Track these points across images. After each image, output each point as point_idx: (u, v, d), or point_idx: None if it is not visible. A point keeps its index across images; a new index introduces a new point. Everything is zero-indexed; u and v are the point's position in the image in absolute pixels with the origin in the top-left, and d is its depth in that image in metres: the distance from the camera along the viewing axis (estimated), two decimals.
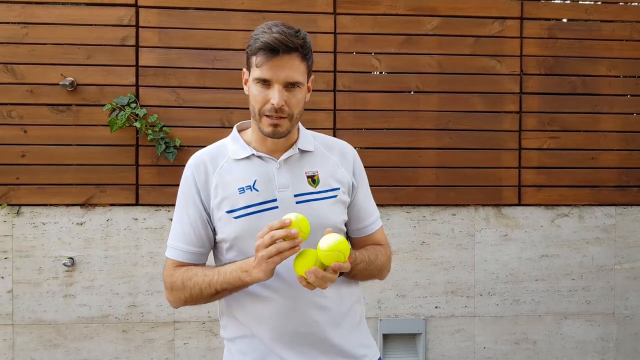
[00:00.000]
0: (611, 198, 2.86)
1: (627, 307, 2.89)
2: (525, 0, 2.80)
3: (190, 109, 2.68)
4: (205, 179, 1.26)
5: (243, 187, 1.23)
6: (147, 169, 2.66)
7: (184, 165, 2.67)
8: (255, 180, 1.24)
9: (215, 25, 2.67)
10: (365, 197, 1.38)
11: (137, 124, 2.57)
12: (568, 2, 2.84)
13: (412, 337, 2.82)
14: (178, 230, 1.28)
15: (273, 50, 1.14)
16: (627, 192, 2.87)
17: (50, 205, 2.62)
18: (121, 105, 2.59)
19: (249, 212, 1.22)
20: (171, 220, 2.62)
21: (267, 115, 1.19)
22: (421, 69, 2.77)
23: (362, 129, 2.76)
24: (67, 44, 2.62)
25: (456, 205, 2.80)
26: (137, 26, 2.65)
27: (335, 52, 2.72)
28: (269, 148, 1.27)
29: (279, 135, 1.22)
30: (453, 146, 2.79)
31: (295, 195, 1.25)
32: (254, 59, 1.19)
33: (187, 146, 2.66)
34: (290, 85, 1.19)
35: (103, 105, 2.60)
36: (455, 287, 2.81)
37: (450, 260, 2.80)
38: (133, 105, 2.60)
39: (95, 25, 2.63)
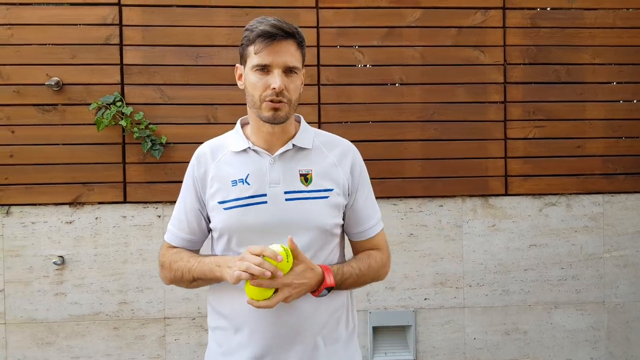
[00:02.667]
0: (598, 186, 2.85)
1: (618, 295, 2.88)
2: None
3: (176, 106, 2.69)
4: (205, 170, 1.30)
5: (236, 180, 1.26)
6: (134, 167, 2.67)
7: (171, 162, 2.71)
8: (248, 174, 1.26)
9: (198, 22, 2.68)
10: (366, 200, 1.35)
11: (123, 122, 2.58)
12: None
13: (402, 329, 2.82)
14: (175, 216, 1.36)
15: (271, 36, 1.18)
16: (614, 179, 2.86)
17: (40, 204, 2.64)
18: (107, 104, 2.61)
19: (238, 204, 1.25)
20: (159, 217, 2.67)
21: (267, 101, 1.20)
22: (405, 61, 2.77)
23: (347, 122, 2.76)
24: (52, 44, 2.63)
25: (443, 196, 2.80)
26: (120, 25, 2.66)
27: (318, 46, 2.72)
28: (266, 142, 1.29)
29: (279, 120, 1.22)
30: (438, 137, 2.79)
31: (286, 192, 1.25)
32: (251, 48, 1.20)
33: (173, 143, 2.67)
34: (288, 71, 1.21)
35: (89, 104, 2.61)
36: (444, 278, 2.81)
37: (439, 252, 2.80)
38: (119, 103, 2.61)
39: (79, 24, 2.64)
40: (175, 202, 2.61)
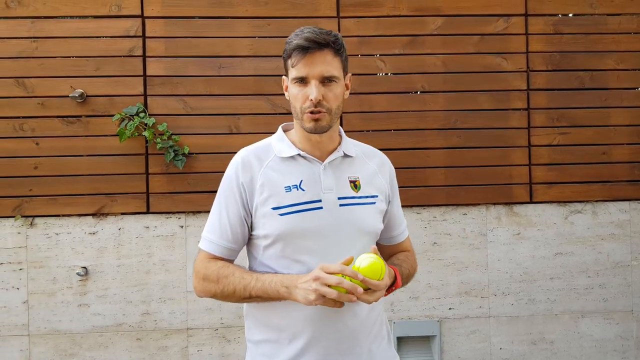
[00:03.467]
0: (624, 193, 2.81)
1: None
2: None
3: (198, 116, 2.69)
4: (251, 177, 1.27)
5: (290, 186, 1.26)
6: (157, 177, 2.67)
7: (194, 172, 2.70)
8: (301, 180, 1.27)
9: (220, 33, 2.69)
10: (398, 207, 1.44)
11: (146, 133, 2.59)
12: None
13: (427, 339, 2.78)
14: (215, 225, 1.30)
15: (305, 48, 1.20)
16: None
17: (63, 215, 2.65)
18: (130, 115, 2.62)
19: (294, 210, 1.24)
20: (182, 227, 2.66)
21: (307, 112, 1.22)
22: (426, 69, 2.76)
23: (369, 131, 2.75)
24: (75, 57, 2.66)
25: (467, 204, 2.77)
26: (143, 37, 2.68)
27: None
28: (313, 148, 1.30)
29: (320, 130, 1.24)
30: (461, 145, 2.76)
31: (339, 198, 1.27)
32: (289, 62, 1.24)
33: (196, 153, 2.67)
34: (326, 80, 1.22)
35: (112, 115, 2.62)
36: (468, 287, 2.77)
37: (463, 261, 2.77)
38: (142, 114, 2.62)
39: (103, 37, 2.66)
40: (199, 212, 2.64)
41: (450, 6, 2.76)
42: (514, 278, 2.78)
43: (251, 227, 1.30)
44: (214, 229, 1.30)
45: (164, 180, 2.67)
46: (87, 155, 2.66)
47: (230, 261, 1.31)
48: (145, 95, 2.68)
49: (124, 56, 2.67)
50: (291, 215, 1.24)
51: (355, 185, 1.30)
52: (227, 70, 2.69)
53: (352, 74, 2.68)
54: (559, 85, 2.79)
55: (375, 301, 1.14)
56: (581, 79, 2.80)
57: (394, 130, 2.75)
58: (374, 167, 1.37)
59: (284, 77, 1.32)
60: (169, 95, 2.68)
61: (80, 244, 2.65)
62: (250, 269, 1.33)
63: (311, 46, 1.20)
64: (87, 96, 2.65)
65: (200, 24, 2.69)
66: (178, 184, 2.67)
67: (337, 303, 1.10)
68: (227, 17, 2.70)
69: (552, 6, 2.80)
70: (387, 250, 1.44)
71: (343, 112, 2.71)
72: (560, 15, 2.81)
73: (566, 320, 2.80)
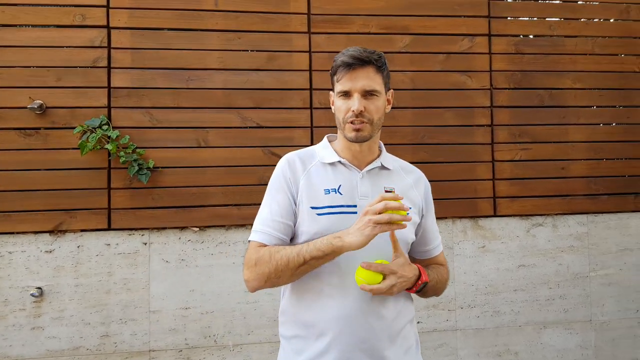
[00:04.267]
0: (582, 206, 2.92)
1: (604, 313, 2.93)
2: (492, 18, 2.88)
3: (165, 129, 2.61)
4: (295, 176, 1.37)
5: (329, 189, 1.36)
6: (119, 192, 2.56)
7: (158, 187, 2.61)
8: (340, 185, 1.37)
9: (189, 46, 2.64)
10: (433, 222, 1.52)
11: (109, 146, 2.49)
12: (534, 19, 2.93)
13: None
14: (266, 217, 1.36)
15: (349, 64, 1.32)
16: (597, 200, 2.94)
17: (18, 233, 2.49)
18: (92, 128, 2.51)
19: (331, 211, 1.33)
20: (145, 244, 2.55)
21: (350, 122, 1.33)
22: (395, 85, 2.79)
23: None
24: (36, 67, 2.53)
25: None
26: (109, 47, 2.59)
27: (310, 70, 2.72)
28: (354, 157, 1.41)
29: (361, 139, 1.35)
30: (428, 160, 2.80)
31: None
32: (335, 77, 1.36)
33: (162, 167, 2.59)
34: (368, 94, 1.33)
35: (74, 128, 2.51)
36: (436, 300, 2.78)
37: None
38: (105, 127, 2.52)
39: (66, 47, 2.55)
40: (164, 228, 2.55)
41: (417, 25, 2.82)
42: (479, 290, 2.82)
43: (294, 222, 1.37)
44: (264, 221, 1.36)
45: (127, 195, 2.57)
46: (46, 169, 2.52)
47: None
48: (109, 107, 2.58)
49: (87, 67, 2.56)
50: (328, 215, 1.32)
51: None
52: (195, 82, 2.64)
53: (324, 90, 2.71)
54: (521, 102, 2.89)
55: (394, 289, 1.24)
56: (541, 97, 2.91)
57: None
58: (410, 181, 1.46)
59: (330, 92, 1.44)
60: (135, 108, 2.59)
61: (36, 262, 2.49)
62: None
63: (355, 63, 1.32)
64: (46, 107, 2.53)
65: (169, 36, 2.63)
66: (142, 199, 2.57)
67: (393, 225, 1.18)
68: (197, 30, 2.65)
69: (514, 27, 2.91)
70: (421, 264, 1.48)
71: (314, 127, 2.72)
72: (521, 36, 2.92)
73: (529, 331, 2.86)
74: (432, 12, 2.84)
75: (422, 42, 2.82)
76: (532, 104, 2.90)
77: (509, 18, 2.90)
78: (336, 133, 1.46)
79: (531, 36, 2.93)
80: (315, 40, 2.73)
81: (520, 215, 2.88)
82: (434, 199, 2.71)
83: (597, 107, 2.97)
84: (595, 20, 2.98)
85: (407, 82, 2.80)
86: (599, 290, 2.93)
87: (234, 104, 2.66)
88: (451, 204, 2.81)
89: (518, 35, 2.91)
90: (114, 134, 2.51)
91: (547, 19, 2.94)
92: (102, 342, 2.51)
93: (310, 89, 2.72)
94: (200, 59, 2.64)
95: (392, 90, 1.44)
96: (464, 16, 2.87)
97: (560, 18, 2.94)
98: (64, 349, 2.48)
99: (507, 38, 2.89)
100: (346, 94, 1.34)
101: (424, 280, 1.33)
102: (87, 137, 2.48)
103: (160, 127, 2.61)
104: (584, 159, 2.94)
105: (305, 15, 2.73)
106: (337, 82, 1.36)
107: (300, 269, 1.28)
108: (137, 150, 2.55)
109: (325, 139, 1.49)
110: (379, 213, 1.18)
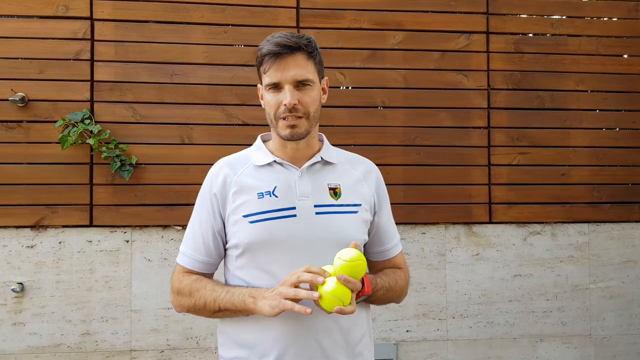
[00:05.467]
0: (583, 215, 3.35)
1: (604, 327, 3.35)
2: (490, 15, 3.31)
3: (148, 125, 3.08)
4: (224, 186, 1.46)
5: (262, 193, 1.42)
6: (101, 188, 3.04)
7: (141, 184, 3.07)
8: (275, 187, 1.43)
9: (174, 39, 3.10)
10: (388, 219, 1.59)
11: (91, 141, 2.94)
12: (534, 16, 3.35)
13: None
14: (189, 238, 1.51)
15: (276, 53, 1.38)
16: (600, 208, 3.36)
17: None
18: (74, 122, 2.97)
19: (265, 217, 1.40)
20: (127, 242, 3.03)
21: (282, 118, 1.39)
22: (387, 84, 3.23)
23: None
24: (18, 58, 3.01)
25: (426, 223, 3.24)
26: (92, 39, 3.05)
27: None
28: (290, 156, 1.49)
29: (297, 137, 1.42)
30: (421, 162, 3.25)
31: (316, 206, 1.43)
32: (262, 69, 1.43)
33: (144, 164, 3.05)
34: (300, 84, 1.40)
35: (56, 121, 2.97)
36: (426, 309, 3.22)
37: (421, 281, 3.22)
38: (87, 121, 2.98)
39: (48, 39, 3.02)
40: (147, 226, 3.01)
41: (411, 21, 3.26)
42: (472, 300, 3.26)
43: (225, 241, 1.49)
44: (188, 243, 1.52)
45: (109, 191, 3.04)
46: (27, 163, 3.01)
47: (207, 275, 1.52)
48: (92, 101, 3.05)
49: (70, 59, 3.04)
50: (262, 222, 1.40)
51: (335, 192, 1.46)
52: (180, 77, 3.09)
53: None
54: (520, 104, 3.33)
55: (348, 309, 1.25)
56: (541, 99, 3.33)
57: (353, 145, 3.20)
58: (358, 175, 1.53)
59: (258, 85, 1.52)
60: (118, 102, 3.06)
61: (17, 257, 2.98)
62: (225, 282, 1.53)
63: (282, 51, 1.38)
64: (28, 100, 3.00)
65: (153, 29, 3.09)
66: (124, 196, 3.04)
67: (305, 309, 1.23)
68: (182, 23, 3.11)
69: (514, 25, 3.34)
70: (376, 266, 1.58)
71: None
72: (521, 35, 3.35)
73: (525, 344, 3.29)
74: (427, 7, 3.29)
75: (416, 39, 3.26)
76: (532, 106, 3.33)
77: (508, 15, 3.33)
78: (269, 131, 1.55)
79: (531, 34, 3.35)
80: None
81: (517, 223, 3.30)
82: (427, 204, 3.25)
83: (600, 110, 3.40)
84: (600, 18, 3.39)
85: (399, 81, 3.24)
86: (600, 304, 3.34)
87: (219, 100, 3.12)
88: (444, 209, 3.25)
89: (518, 34, 3.34)
90: (96, 128, 2.96)
91: (548, 17, 3.36)
92: (83, 340, 3.00)
93: None
94: (184, 53, 3.10)
95: (326, 78, 1.50)
96: (461, 12, 3.30)
97: (563, 16, 3.36)
98: (45, 345, 2.98)
99: (506, 36, 3.33)
100: (276, 87, 1.40)
101: (366, 292, 1.34)
102: (69, 132, 2.94)
103: (143, 122, 3.07)
104: (586, 165, 3.36)
105: (294, 9, 3.19)
106: (264, 73, 1.41)
107: (218, 314, 1.42)
108: (120, 145, 3.01)
109: (258, 138, 1.57)
110: (295, 285, 1.26)
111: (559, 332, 3.32)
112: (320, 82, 1.47)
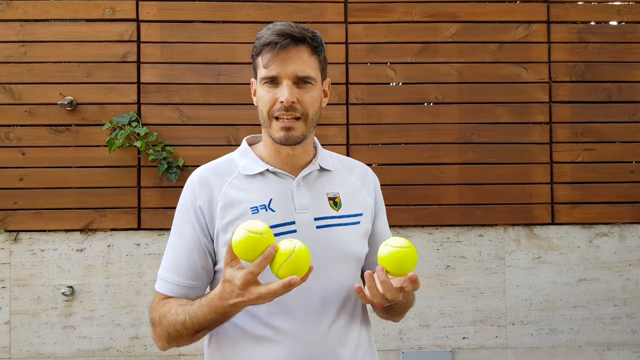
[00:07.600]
0: None
1: None
2: (551, 3, 3.13)
3: (194, 126, 3.05)
4: (209, 199, 1.28)
5: (257, 207, 1.26)
6: (149, 191, 3.03)
7: None
8: (270, 199, 1.27)
9: (219, 39, 3.06)
10: (385, 226, 1.45)
11: (138, 144, 2.93)
12: (598, 3, 3.16)
13: None
14: (170, 260, 1.29)
15: (277, 43, 1.21)
16: None
17: (49, 230, 3.01)
18: (121, 125, 2.97)
19: None
20: None
21: (277, 118, 1.23)
22: (440, 78, 3.10)
23: (377, 144, 3.10)
24: (66, 62, 3.04)
25: (483, 225, 3.10)
26: (138, 41, 3.05)
27: (347, 63, 3.07)
28: (284, 163, 1.32)
29: (292, 141, 1.25)
30: (477, 161, 3.10)
31: (316, 219, 1.28)
32: (259, 60, 1.26)
33: (191, 166, 3.03)
34: (301, 81, 1.24)
35: (104, 124, 2.98)
36: (484, 315, 3.08)
37: (479, 286, 3.08)
38: (134, 124, 2.97)
39: (96, 41, 3.04)
40: None
41: (466, 12, 3.11)
42: (533, 306, 3.09)
43: (214, 260, 1.30)
44: (168, 265, 1.29)
45: (156, 194, 3.03)
46: (76, 167, 3.03)
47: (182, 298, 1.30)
48: (139, 103, 3.04)
49: (117, 62, 3.04)
50: None
51: (335, 203, 1.32)
52: (226, 77, 3.05)
53: (362, 84, 3.05)
54: (584, 97, 3.14)
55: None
56: (608, 91, 3.13)
57: (404, 143, 3.09)
58: (355, 180, 1.39)
59: (252, 79, 1.35)
60: (164, 104, 3.05)
61: (67, 261, 3.00)
62: None
63: (284, 41, 1.21)
64: (77, 104, 3.02)
65: (199, 29, 3.06)
66: (171, 199, 3.02)
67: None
68: (227, 22, 3.07)
69: (577, 13, 3.15)
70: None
71: (350, 124, 3.07)
72: (584, 23, 3.16)
73: (591, 352, 3.11)
74: None
75: (471, 31, 3.12)
76: (597, 99, 3.14)
77: (570, 2, 3.14)
78: (259, 134, 1.39)
79: (595, 23, 3.16)
80: (352, 31, 3.08)
81: (582, 224, 3.12)
82: (484, 204, 3.11)
83: None
84: None
85: (453, 75, 3.10)
86: None
87: None
88: (503, 209, 3.10)
89: (581, 22, 3.15)
90: (142, 130, 2.95)
91: (614, 3, 3.16)
92: (132, 344, 3.00)
93: (347, 83, 3.07)
94: (230, 52, 3.06)
95: (329, 80, 1.35)
96: (519, 1, 3.14)
97: (631, 1, 3.14)
98: (95, 349, 2.99)
99: (569, 25, 3.14)
100: (272, 81, 1.23)
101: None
102: (116, 134, 2.94)
103: (190, 124, 3.05)
104: None
105: (342, 4, 3.10)
106: (263, 65, 1.24)
107: (199, 335, 1.22)
108: (167, 147, 2.99)
109: (244, 142, 1.40)
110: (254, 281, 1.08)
111: (628, 340, 3.12)
112: (322, 83, 1.32)
